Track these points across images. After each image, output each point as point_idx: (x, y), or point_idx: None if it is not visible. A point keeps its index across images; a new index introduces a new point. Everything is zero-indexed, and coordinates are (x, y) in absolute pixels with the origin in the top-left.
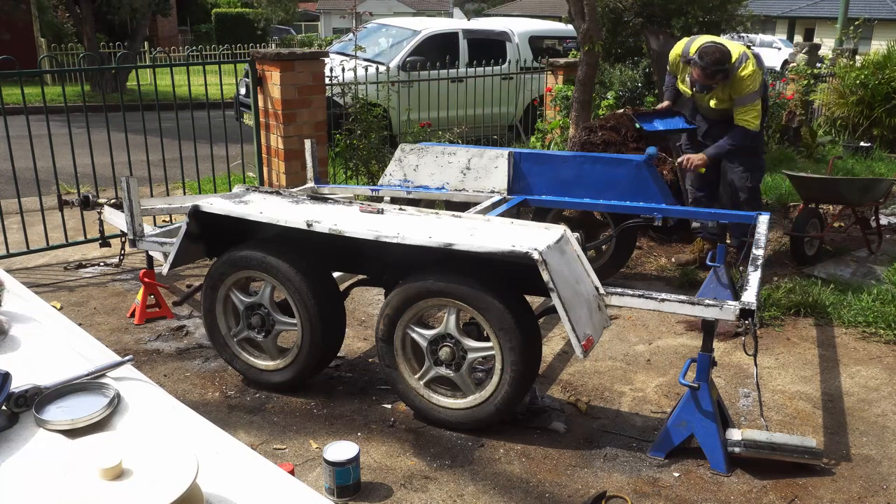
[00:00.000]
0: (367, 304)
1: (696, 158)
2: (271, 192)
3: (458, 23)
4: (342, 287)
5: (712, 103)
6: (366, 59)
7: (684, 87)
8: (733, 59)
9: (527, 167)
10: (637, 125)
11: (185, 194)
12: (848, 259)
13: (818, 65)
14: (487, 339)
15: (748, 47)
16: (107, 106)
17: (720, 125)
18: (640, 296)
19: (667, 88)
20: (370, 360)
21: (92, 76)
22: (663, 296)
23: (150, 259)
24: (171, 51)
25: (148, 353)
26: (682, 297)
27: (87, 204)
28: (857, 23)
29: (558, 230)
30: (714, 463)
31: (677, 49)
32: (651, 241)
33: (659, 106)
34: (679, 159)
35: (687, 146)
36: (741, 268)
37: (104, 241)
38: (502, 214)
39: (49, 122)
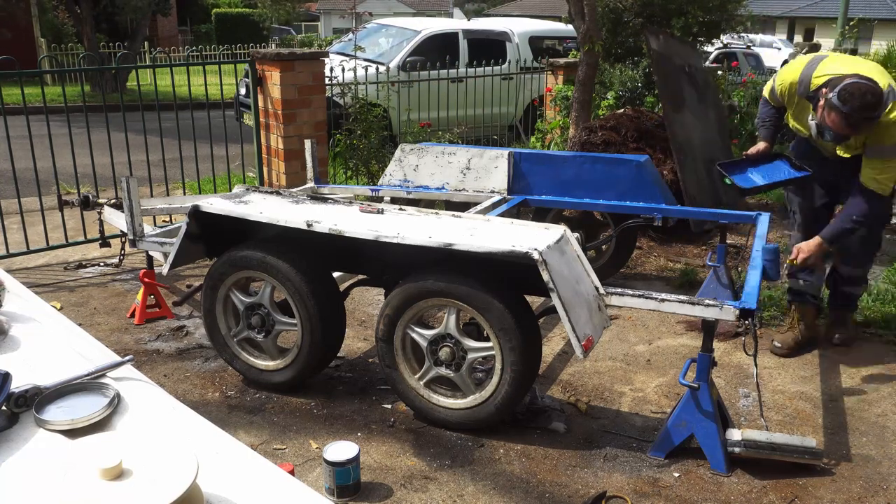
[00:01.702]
0: (367, 304)
1: (809, 247)
2: (271, 192)
3: (458, 23)
4: (342, 287)
5: (839, 151)
6: (366, 60)
7: (798, 126)
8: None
9: (527, 167)
10: (727, 181)
11: (185, 194)
12: None
13: None
14: (487, 339)
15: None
16: (107, 106)
17: (842, 165)
18: (640, 296)
19: (762, 123)
20: (370, 360)
21: (92, 76)
22: (663, 296)
23: (150, 259)
24: (171, 51)
25: (148, 353)
26: (682, 297)
27: (87, 204)
28: (851, 22)
29: (558, 230)
30: (714, 463)
31: (790, 74)
32: (651, 241)
33: (753, 150)
34: (793, 254)
35: (795, 192)
36: (740, 268)
37: (104, 241)
38: (502, 214)
39: (49, 122)
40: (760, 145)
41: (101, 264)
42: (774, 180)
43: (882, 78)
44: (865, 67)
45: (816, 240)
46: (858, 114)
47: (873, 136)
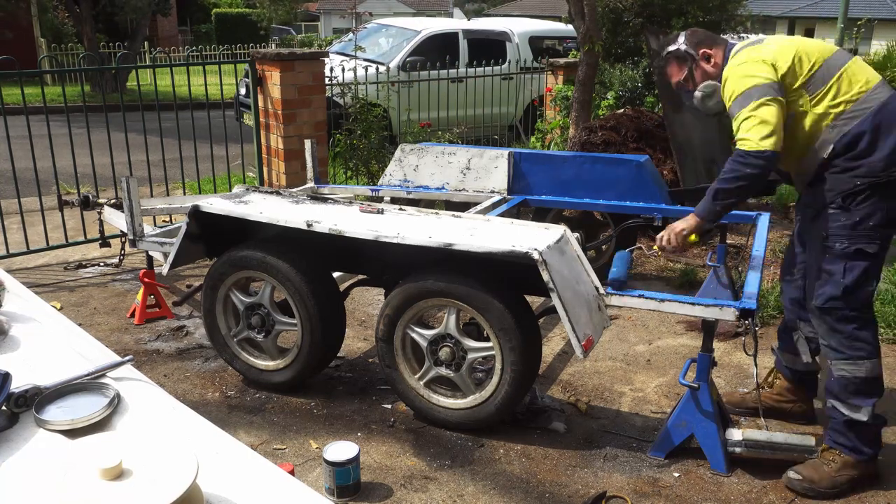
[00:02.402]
0: (367, 304)
1: (672, 230)
2: (271, 192)
3: (458, 23)
4: (342, 287)
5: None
6: (366, 60)
7: None
8: (731, 51)
9: (527, 167)
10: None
11: (185, 194)
12: None
13: None
14: (487, 339)
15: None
16: (107, 106)
17: (806, 185)
18: (640, 296)
19: None
20: (370, 360)
21: (92, 76)
22: (663, 296)
23: (150, 259)
24: (171, 51)
25: (148, 353)
26: (682, 297)
27: (87, 204)
28: (859, 23)
29: (558, 230)
30: (714, 463)
31: None
32: (651, 241)
33: None
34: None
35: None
36: (740, 268)
37: (104, 241)
38: (502, 214)
39: (49, 122)
40: None
41: (101, 264)
42: None
43: (746, 47)
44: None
45: (681, 220)
46: (653, 61)
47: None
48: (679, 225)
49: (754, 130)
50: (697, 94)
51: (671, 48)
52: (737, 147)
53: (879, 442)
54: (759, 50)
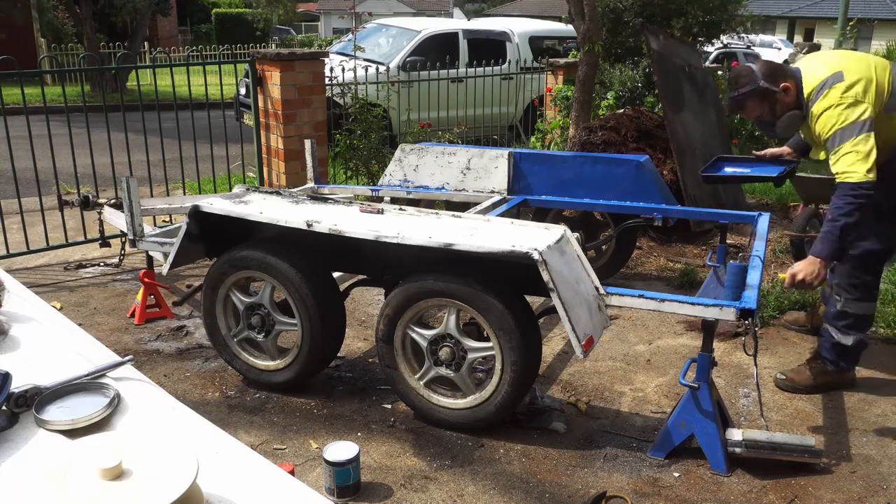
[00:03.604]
0: (367, 304)
1: (802, 266)
2: (271, 192)
3: (458, 23)
4: (342, 287)
5: (820, 156)
6: (366, 60)
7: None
8: (811, 87)
9: (527, 167)
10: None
11: (185, 194)
12: None
13: None
14: (487, 339)
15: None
16: (107, 106)
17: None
18: (640, 296)
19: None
20: (370, 360)
21: (92, 76)
22: (663, 296)
23: (150, 259)
24: (171, 51)
25: (148, 353)
26: (682, 297)
27: (87, 204)
28: (851, 23)
29: (558, 230)
30: (714, 463)
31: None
32: (651, 241)
33: (765, 151)
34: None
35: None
36: None
37: (104, 241)
38: (502, 214)
39: (49, 122)
40: (779, 149)
41: (101, 264)
42: (742, 173)
43: (820, 69)
44: (809, 61)
45: (809, 257)
46: (729, 93)
47: (816, 132)
48: (808, 269)
49: (859, 164)
50: (780, 124)
51: (752, 87)
52: (843, 181)
53: (856, 360)
54: (851, 91)
